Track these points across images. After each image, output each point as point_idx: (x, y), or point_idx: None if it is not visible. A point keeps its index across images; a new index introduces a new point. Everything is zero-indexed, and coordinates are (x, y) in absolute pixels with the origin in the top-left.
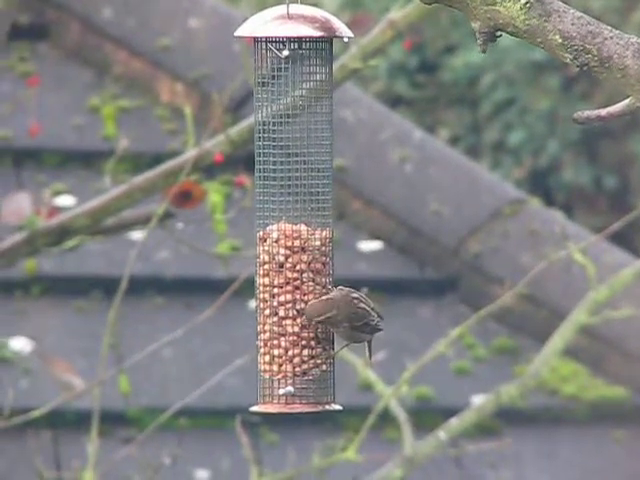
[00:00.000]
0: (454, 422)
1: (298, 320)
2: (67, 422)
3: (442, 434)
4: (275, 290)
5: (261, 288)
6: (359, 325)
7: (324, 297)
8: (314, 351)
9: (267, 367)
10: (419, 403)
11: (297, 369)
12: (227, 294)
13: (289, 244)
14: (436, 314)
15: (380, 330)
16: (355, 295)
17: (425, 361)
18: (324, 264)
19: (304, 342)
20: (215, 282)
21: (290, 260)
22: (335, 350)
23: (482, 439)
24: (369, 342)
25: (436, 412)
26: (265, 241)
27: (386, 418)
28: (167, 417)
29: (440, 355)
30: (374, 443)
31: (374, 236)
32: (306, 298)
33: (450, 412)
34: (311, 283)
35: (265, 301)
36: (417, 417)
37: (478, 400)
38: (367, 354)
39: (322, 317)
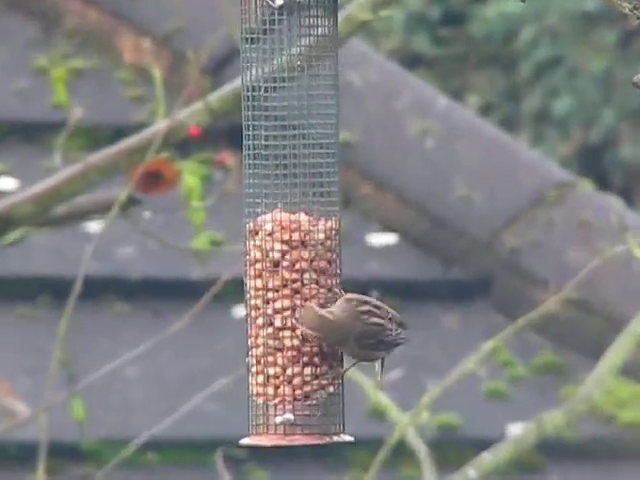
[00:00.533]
0: (486, 457)
1: (298, 331)
2: (8, 456)
3: (472, 472)
4: (270, 295)
5: (252, 292)
6: (370, 343)
7: (322, 312)
8: (319, 369)
9: (260, 389)
10: (443, 433)
11: (298, 392)
12: (206, 299)
13: (286, 238)
14: (464, 323)
15: (399, 344)
16: (364, 309)
17: (450, 381)
18: (330, 262)
19: (306, 358)
20: (191, 284)
21: (288, 257)
22: (344, 368)
23: (521, 478)
24: (382, 358)
25: (464, 444)
26: (256, 234)
27: (402, 452)
28: (131, 451)
29: (469, 374)
30: None
31: (388, 227)
32: (308, 304)
33: (481, 444)
34: (314, 285)
35: (257, 308)
36: (440, 451)
37: (516, 430)
38: (378, 372)
39: (313, 334)
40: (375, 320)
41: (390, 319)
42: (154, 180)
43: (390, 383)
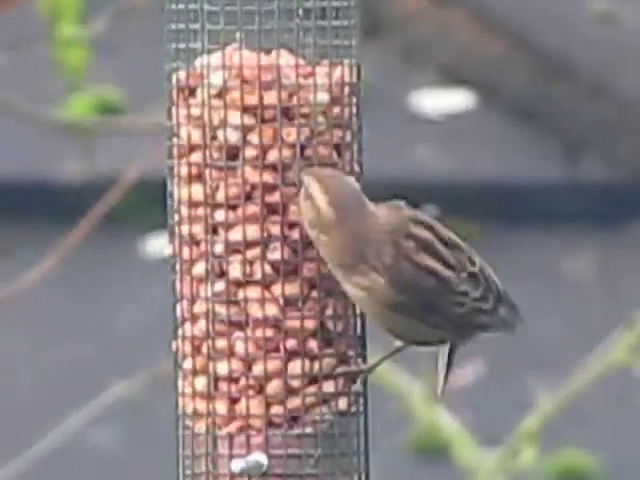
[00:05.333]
0: None
1: (277, 287)
2: None
3: None
4: (218, 215)
5: (184, 211)
6: (412, 304)
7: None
8: (317, 364)
9: (200, 405)
10: None
11: (276, 409)
12: (92, 221)
13: (252, 101)
14: (603, 266)
15: (491, 330)
16: (421, 236)
17: (579, 385)
18: (338, 148)
19: (293, 342)
20: (63, 191)
21: (255, 140)
22: (371, 364)
23: None
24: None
25: None
26: (192, 94)
27: None
28: None
29: (614, 369)
30: None
31: (454, 76)
32: (294, 235)
33: None
34: None
35: (195, 243)
36: None
37: None
38: (439, 367)
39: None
40: (429, 264)
41: (474, 276)
42: None
43: (460, 388)
